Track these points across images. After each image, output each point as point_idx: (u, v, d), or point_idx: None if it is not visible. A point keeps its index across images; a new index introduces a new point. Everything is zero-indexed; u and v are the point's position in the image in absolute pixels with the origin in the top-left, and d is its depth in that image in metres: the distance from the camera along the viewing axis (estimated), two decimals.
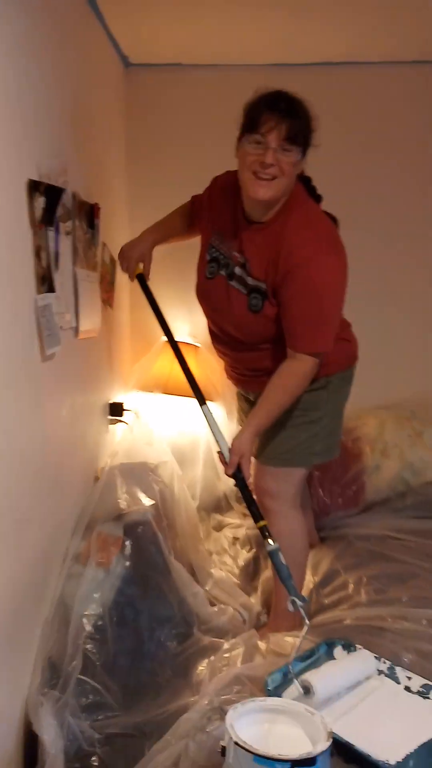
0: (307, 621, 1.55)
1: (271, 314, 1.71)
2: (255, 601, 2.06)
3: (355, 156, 2.63)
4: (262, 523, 1.66)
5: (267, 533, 1.63)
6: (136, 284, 1.99)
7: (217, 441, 1.74)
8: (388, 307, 2.75)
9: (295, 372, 1.69)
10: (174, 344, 1.91)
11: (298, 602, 1.55)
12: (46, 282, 1.52)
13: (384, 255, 2.71)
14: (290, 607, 1.55)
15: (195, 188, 2.69)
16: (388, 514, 2.39)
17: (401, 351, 2.76)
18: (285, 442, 1.84)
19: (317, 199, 1.80)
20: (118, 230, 2.55)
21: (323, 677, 1.44)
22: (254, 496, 1.75)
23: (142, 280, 1.96)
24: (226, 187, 1.83)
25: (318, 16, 2.18)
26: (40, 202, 1.46)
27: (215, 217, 1.85)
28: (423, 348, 2.79)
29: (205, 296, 1.88)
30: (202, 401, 1.82)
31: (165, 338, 1.94)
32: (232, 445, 1.70)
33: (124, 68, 2.65)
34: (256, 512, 1.69)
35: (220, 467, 1.74)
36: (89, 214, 2.00)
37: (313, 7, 2.10)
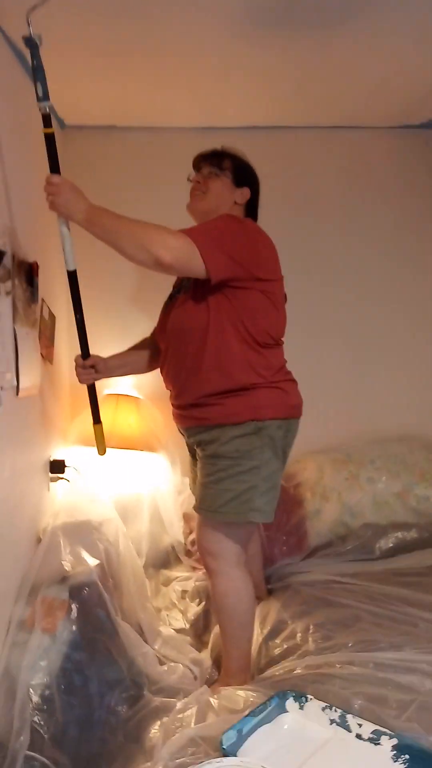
0: None
1: (198, 288, 1.82)
2: (205, 655, 2.04)
3: (281, 215, 2.76)
4: None
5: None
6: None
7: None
8: (321, 347, 2.86)
9: (164, 229, 1.72)
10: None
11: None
12: None
13: (317, 295, 2.83)
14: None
15: None
16: (331, 559, 2.44)
17: (335, 392, 2.85)
18: (222, 495, 1.77)
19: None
20: (57, 285, 2.56)
21: None
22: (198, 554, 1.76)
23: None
24: None
25: (238, 84, 2.33)
26: None
27: None
28: (356, 389, 2.90)
29: (161, 329, 2.01)
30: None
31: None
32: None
33: (60, 129, 2.71)
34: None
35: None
36: (28, 272, 2.01)
37: (233, 75, 2.26)
